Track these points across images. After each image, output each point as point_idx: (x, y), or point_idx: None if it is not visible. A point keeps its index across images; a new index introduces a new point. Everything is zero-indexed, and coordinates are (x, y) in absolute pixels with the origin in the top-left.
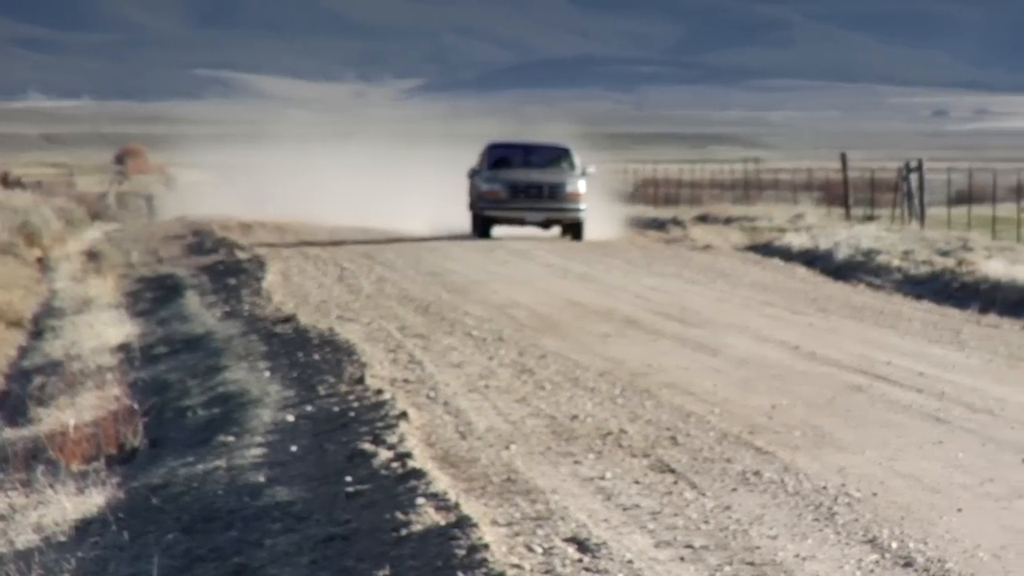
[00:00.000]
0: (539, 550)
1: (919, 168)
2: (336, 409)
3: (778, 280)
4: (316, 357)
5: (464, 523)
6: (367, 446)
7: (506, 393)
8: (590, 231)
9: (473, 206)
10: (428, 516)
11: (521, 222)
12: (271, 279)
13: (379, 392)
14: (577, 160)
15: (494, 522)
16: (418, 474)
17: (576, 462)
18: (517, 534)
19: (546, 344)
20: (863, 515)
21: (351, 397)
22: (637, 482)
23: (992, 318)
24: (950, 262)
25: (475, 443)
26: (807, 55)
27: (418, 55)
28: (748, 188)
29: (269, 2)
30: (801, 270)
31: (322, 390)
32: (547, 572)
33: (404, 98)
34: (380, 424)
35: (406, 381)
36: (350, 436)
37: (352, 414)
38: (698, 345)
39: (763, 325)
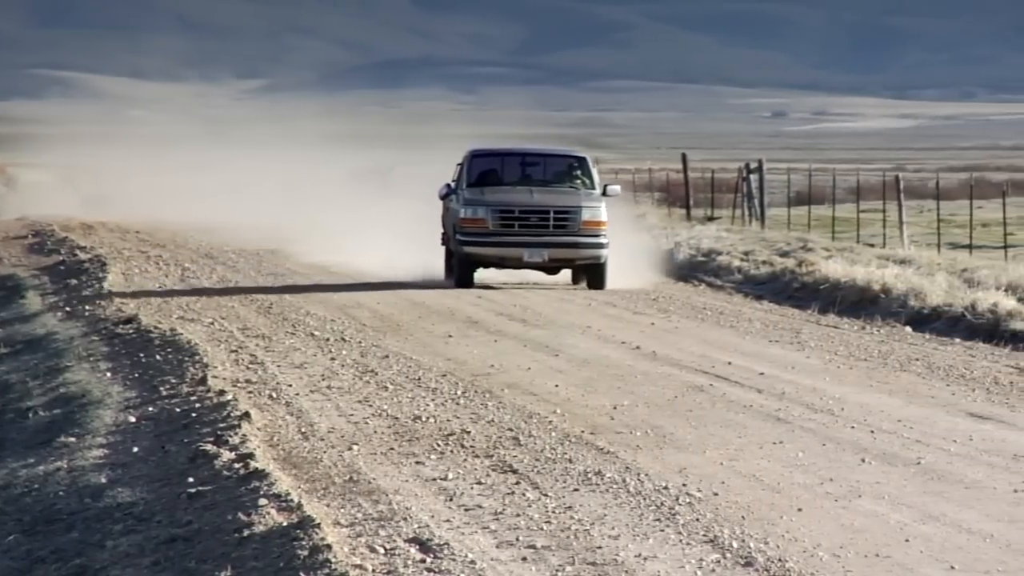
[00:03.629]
0: (381, 551)
1: (759, 169)
2: (178, 410)
3: (619, 280)
4: (158, 358)
5: (306, 524)
6: (209, 447)
7: (348, 394)
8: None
9: (448, 240)
10: (270, 517)
11: (517, 263)
12: (112, 279)
13: (221, 393)
14: (596, 174)
15: (336, 523)
16: (260, 475)
17: (418, 463)
18: (359, 535)
19: (388, 345)
20: (704, 515)
21: (193, 398)
22: (479, 482)
23: (832, 318)
24: (790, 263)
25: (317, 444)
26: (648, 56)
27: (259, 55)
28: None
29: (109, 2)
30: (648, 272)
31: (164, 391)
32: (389, 573)
33: (246, 98)
34: (222, 425)
35: (248, 382)
36: (192, 437)
37: (194, 415)
38: (540, 345)
39: (605, 325)
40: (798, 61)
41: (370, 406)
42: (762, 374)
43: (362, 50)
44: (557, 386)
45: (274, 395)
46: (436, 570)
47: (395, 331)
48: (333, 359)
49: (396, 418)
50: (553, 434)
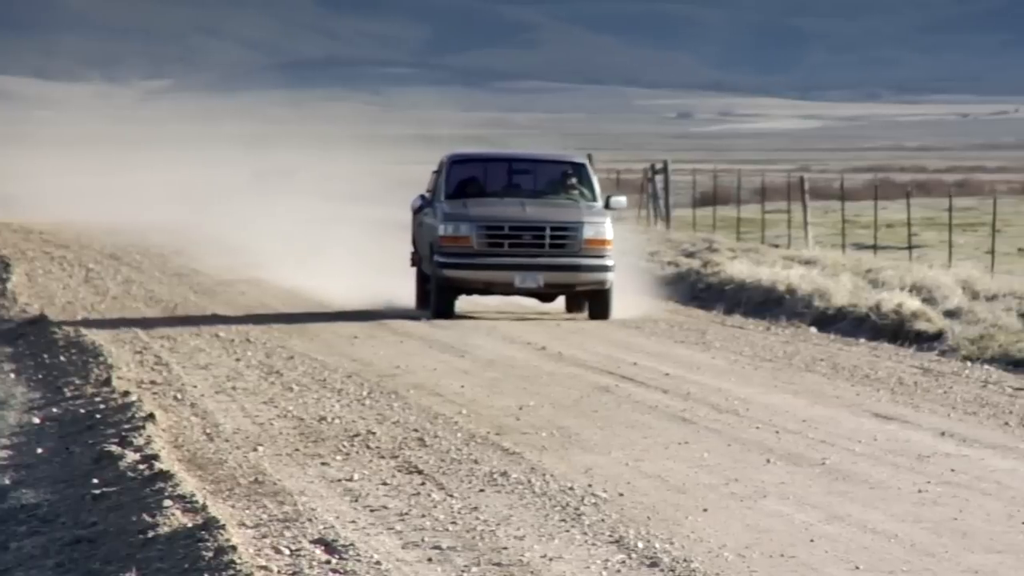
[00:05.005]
0: (287, 552)
1: (664, 169)
2: (83, 411)
3: None
4: (62, 359)
5: (211, 525)
6: (114, 448)
7: (254, 395)
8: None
9: (423, 262)
10: (175, 518)
11: (507, 289)
12: (16, 280)
13: (126, 394)
14: (596, 183)
15: (241, 524)
16: (165, 476)
17: (324, 463)
18: (265, 536)
19: (294, 346)
20: (609, 515)
21: (98, 399)
22: (385, 483)
23: (737, 319)
24: (695, 263)
25: (223, 445)
26: (553, 57)
27: (163, 55)
28: None
29: (12, 1)
30: None
31: (68, 392)
32: (294, 574)
33: (151, 98)
34: (127, 426)
35: (153, 383)
36: (97, 438)
37: (99, 416)
38: (446, 346)
39: (511, 326)
40: (703, 62)
41: (275, 407)
42: (667, 375)
43: (267, 50)
44: (463, 387)
45: (179, 396)
46: (341, 571)
47: (300, 332)
48: (238, 360)
49: (301, 419)
50: (459, 435)
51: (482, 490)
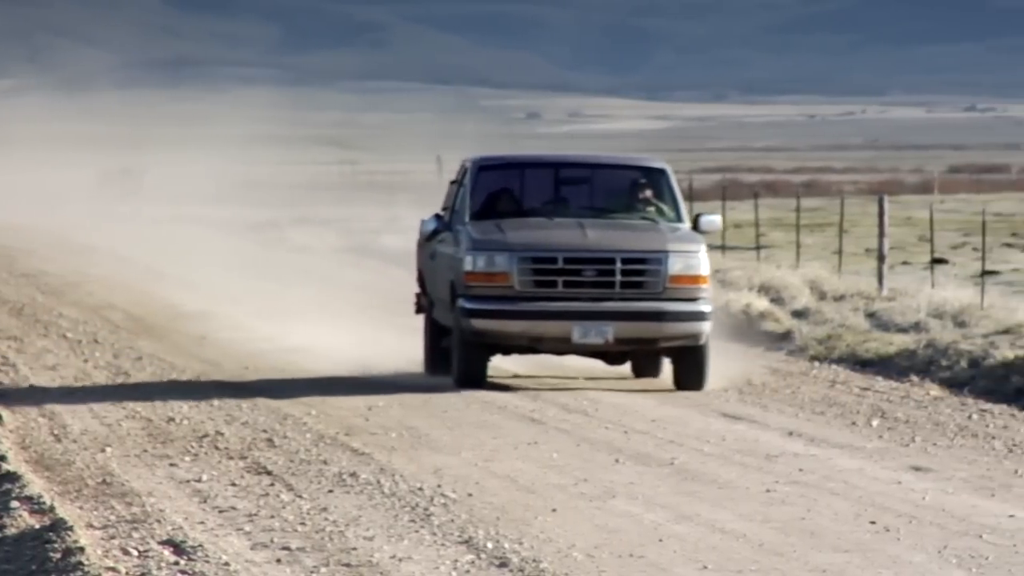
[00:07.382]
0: (135, 553)
1: None
2: None
3: (375, 281)
4: None
5: (59, 526)
6: None
7: (102, 396)
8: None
9: (435, 307)
10: (22, 519)
11: (562, 346)
12: None
13: None
14: (680, 197)
15: (89, 525)
16: (12, 477)
17: (172, 464)
18: (113, 537)
19: (142, 346)
20: (459, 516)
21: None
22: (234, 484)
23: None
24: None
25: (70, 446)
26: (401, 57)
27: (10, 55)
28: (345, 190)
29: None
30: (397, 271)
31: None
32: (143, 575)
33: None
34: None
35: (0, 384)
36: None
37: None
38: (295, 347)
39: (363, 324)
40: (551, 62)
41: (123, 408)
42: (516, 375)
43: (115, 50)
44: (312, 387)
45: (26, 397)
46: (190, 572)
47: (149, 333)
48: (86, 361)
49: (150, 420)
50: (308, 435)
51: (331, 491)
